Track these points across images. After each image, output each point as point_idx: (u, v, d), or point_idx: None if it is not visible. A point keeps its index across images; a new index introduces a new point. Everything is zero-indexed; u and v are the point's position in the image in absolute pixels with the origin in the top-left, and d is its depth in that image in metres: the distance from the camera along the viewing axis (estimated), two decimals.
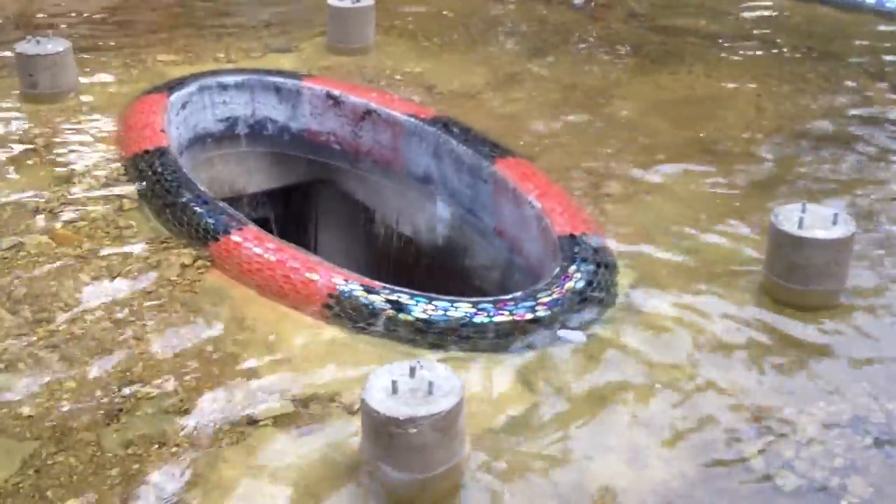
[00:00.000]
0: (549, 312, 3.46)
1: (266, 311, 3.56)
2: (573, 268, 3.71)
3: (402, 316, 3.43)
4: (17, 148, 4.74)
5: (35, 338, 3.38)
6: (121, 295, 3.62)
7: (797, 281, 3.60)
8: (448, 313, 3.43)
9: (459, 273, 4.99)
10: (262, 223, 4.10)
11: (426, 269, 5.33)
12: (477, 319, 3.41)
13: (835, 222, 3.60)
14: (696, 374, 3.26)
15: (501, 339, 3.38)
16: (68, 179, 4.44)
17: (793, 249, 3.58)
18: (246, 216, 4.13)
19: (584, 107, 5.49)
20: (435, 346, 3.35)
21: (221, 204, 4.20)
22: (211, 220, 3.98)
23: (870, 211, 4.34)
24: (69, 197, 4.28)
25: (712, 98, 5.63)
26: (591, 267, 3.73)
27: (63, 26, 6.54)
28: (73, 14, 6.88)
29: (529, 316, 3.44)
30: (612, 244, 3.98)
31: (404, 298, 3.49)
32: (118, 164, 4.57)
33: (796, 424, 3.03)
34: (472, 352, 3.34)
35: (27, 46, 5.29)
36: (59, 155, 4.67)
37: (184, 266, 3.81)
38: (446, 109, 5.27)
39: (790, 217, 3.64)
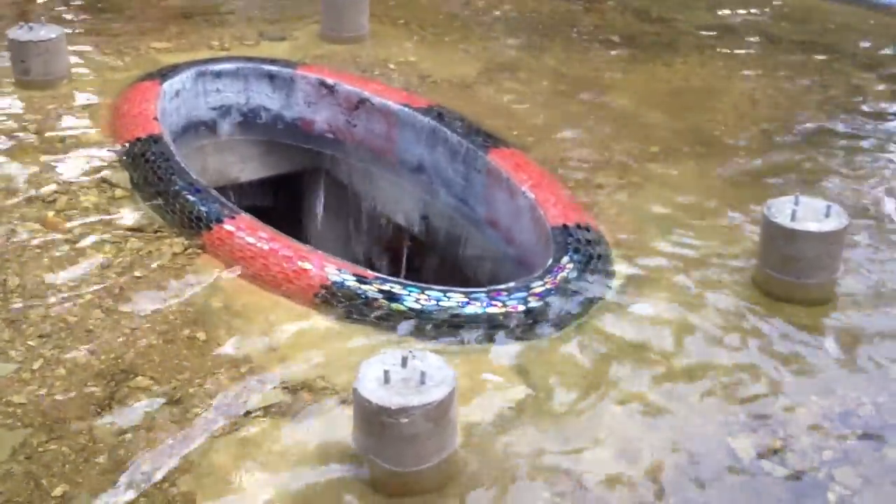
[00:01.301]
0: (541, 303, 3.47)
1: (258, 299, 3.56)
2: (566, 258, 3.72)
3: (394, 305, 3.43)
4: (9, 134, 4.72)
5: (26, 325, 3.38)
6: (113, 283, 3.61)
7: (790, 273, 3.61)
8: (441, 303, 3.43)
9: (452, 263, 5.00)
10: (255, 212, 4.09)
11: (419, 259, 5.33)
12: (469, 309, 3.42)
13: (827, 215, 3.61)
14: (687, 365, 3.27)
15: (494, 329, 3.38)
16: (60, 166, 4.42)
17: (785, 242, 3.58)
18: (238, 205, 4.12)
19: (578, 98, 5.48)
20: (427, 336, 3.35)
21: (214, 192, 4.19)
22: (203, 209, 3.97)
23: (862, 203, 4.34)
24: (61, 184, 4.26)
25: (707, 89, 5.63)
26: (584, 258, 3.73)
27: (56, 9, 6.51)
28: (67, 0, 6.84)
29: (522, 307, 3.44)
30: (606, 235, 3.98)
31: (397, 288, 3.49)
32: (110, 152, 4.55)
33: (786, 417, 3.05)
34: (464, 342, 3.34)
35: (19, 32, 5.26)
36: (51, 142, 4.65)
37: (175, 254, 3.80)
38: (440, 99, 5.26)
39: (783, 209, 3.64)
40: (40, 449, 2.85)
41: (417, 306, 3.42)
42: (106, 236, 3.90)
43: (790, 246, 3.58)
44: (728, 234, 4.07)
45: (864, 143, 4.96)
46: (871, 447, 2.94)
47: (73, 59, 5.53)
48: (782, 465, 2.86)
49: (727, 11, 7.03)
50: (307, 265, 3.61)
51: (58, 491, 2.70)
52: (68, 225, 3.97)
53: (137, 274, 3.67)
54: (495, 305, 3.44)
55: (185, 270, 3.70)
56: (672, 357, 3.31)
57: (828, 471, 2.84)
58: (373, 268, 3.71)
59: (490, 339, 3.36)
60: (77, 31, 6.11)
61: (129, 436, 2.89)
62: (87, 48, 5.86)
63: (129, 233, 3.93)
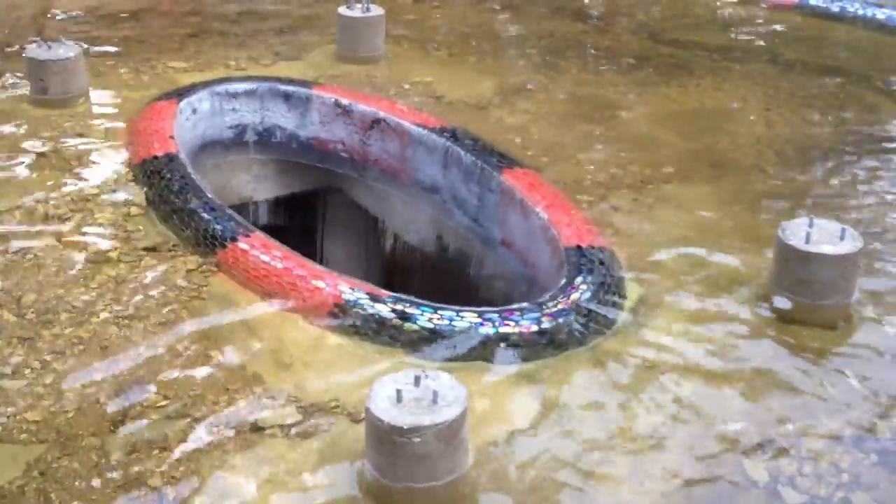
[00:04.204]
0: (554, 324, 3.46)
1: (271, 317, 3.57)
2: (579, 279, 3.71)
3: (407, 325, 3.43)
4: (27, 152, 4.76)
5: (41, 342, 3.39)
6: (127, 300, 3.62)
7: (804, 296, 3.60)
8: (453, 323, 3.43)
9: (465, 283, 5.00)
10: (269, 230, 4.10)
11: (432, 279, 5.34)
12: (482, 330, 3.41)
13: (842, 237, 3.60)
14: (700, 387, 3.26)
15: (506, 349, 3.37)
16: (77, 184, 4.45)
17: (800, 264, 3.57)
18: (253, 223, 4.14)
19: (592, 119, 5.49)
20: (440, 355, 3.35)
21: (229, 210, 4.21)
22: (218, 227, 3.99)
23: (877, 226, 4.33)
24: (77, 201, 4.29)
25: (721, 111, 5.63)
26: (598, 279, 3.72)
27: (74, 28, 6.57)
28: (84, 19, 6.90)
29: (535, 327, 3.44)
30: (619, 256, 3.98)
31: (410, 307, 3.50)
32: (127, 170, 4.58)
33: (801, 439, 3.03)
34: (476, 361, 3.34)
35: (38, 51, 5.31)
36: (67, 160, 4.68)
37: (190, 272, 3.82)
38: (455, 119, 5.28)
39: (797, 232, 3.63)
40: (54, 465, 2.85)
41: (430, 325, 3.42)
42: (121, 254, 3.92)
43: (804, 268, 3.56)
44: (742, 255, 4.06)
45: (880, 166, 4.94)
46: (887, 471, 2.92)
47: (91, 78, 5.58)
48: (796, 488, 2.84)
49: (741, 34, 7.04)
50: (320, 283, 3.62)
51: None
52: (84, 242, 3.99)
53: (152, 291, 3.68)
54: (508, 325, 3.43)
55: (199, 288, 3.72)
56: (685, 379, 3.29)
57: (843, 495, 2.82)
58: (386, 287, 3.71)
59: (503, 358, 3.35)
60: (95, 49, 6.16)
61: (141, 452, 2.90)
62: (105, 67, 5.91)
63: (143, 250, 3.95)
